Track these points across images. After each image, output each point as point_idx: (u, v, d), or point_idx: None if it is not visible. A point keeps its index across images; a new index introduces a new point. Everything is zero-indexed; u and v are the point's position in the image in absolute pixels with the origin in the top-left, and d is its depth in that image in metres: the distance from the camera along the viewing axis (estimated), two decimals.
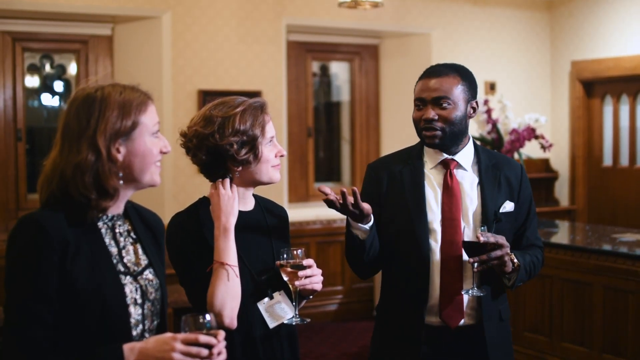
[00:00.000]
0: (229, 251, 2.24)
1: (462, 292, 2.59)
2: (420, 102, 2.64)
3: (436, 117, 2.60)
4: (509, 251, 2.53)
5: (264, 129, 2.36)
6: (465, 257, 2.57)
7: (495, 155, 2.79)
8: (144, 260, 1.95)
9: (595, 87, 7.76)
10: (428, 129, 2.62)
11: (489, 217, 2.63)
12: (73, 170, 1.80)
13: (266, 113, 2.40)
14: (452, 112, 2.61)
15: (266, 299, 2.34)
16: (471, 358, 2.65)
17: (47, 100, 6.50)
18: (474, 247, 2.51)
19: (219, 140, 2.28)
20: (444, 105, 2.61)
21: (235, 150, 2.29)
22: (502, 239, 2.51)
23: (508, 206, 2.69)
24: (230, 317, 2.22)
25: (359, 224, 2.56)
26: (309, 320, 2.38)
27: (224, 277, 2.22)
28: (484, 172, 2.69)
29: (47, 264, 1.74)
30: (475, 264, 2.50)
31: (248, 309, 2.30)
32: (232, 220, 2.27)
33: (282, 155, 2.42)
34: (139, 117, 1.87)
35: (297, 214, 6.79)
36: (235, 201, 2.30)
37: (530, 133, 6.99)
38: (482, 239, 2.47)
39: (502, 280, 2.68)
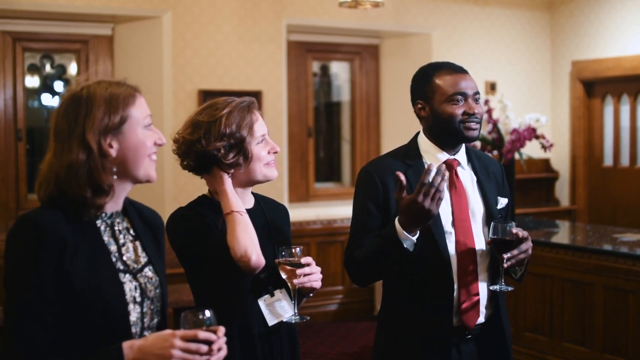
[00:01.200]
0: (230, 202, 2.28)
1: (491, 288, 2.58)
2: (462, 97, 2.59)
3: (478, 112, 2.60)
4: (531, 244, 2.54)
5: (252, 129, 2.33)
6: (477, 255, 2.59)
7: (480, 154, 2.81)
8: (143, 258, 1.94)
9: (596, 87, 7.75)
10: (474, 122, 2.59)
11: (493, 213, 2.64)
12: (66, 170, 1.80)
13: (253, 112, 2.36)
14: (482, 108, 2.65)
15: (266, 296, 2.35)
16: (491, 353, 2.66)
17: (48, 100, 6.50)
18: (504, 244, 2.50)
19: (205, 146, 2.29)
20: (479, 101, 2.63)
21: (223, 154, 2.29)
22: (527, 233, 2.52)
23: (503, 202, 2.72)
24: (257, 254, 2.23)
25: (410, 235, 2.42)
26: (308, 318, 2.38)
27: (236, 221, 2.24)
28: (478, 169, 2.70)
29: (46, 264, 1.73)
30: (505, 260, 2.48)
31: (248, 306, 2.30)
32: (221, 182, 2.31)
33: (275, 152, 2.40)
34: (128, 110, 1.86)
35: (298, 213, 6.79)
36: (220, 179, 2.32)
37: (531, 133, 6.98)
38: (520, 234, 2.47)
39: (509, 274, 2.68)
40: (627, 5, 7.30)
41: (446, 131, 2.62)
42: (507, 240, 2.49)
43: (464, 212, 2.61)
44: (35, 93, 6.42)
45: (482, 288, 2.61)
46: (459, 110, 2.58)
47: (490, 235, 2.53)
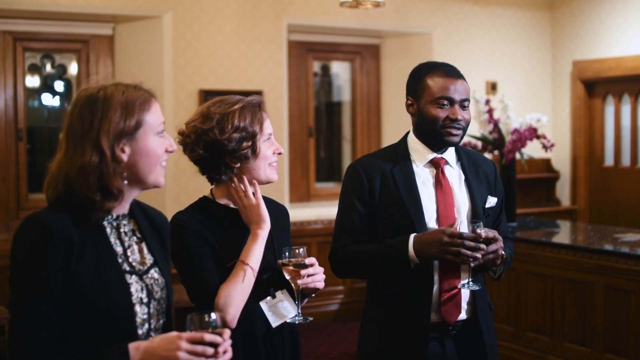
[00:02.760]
0: (252, 253, 2.27)
1: (459, 286, 2.60)
2: (448, 101, 2.62)
3: (462, 118, 2.62)
4: (502, 244, 2.55)
5: (262, 126, 2.35)
6: None
7: (471, 153, 2.83)
8: (149, 260, 1.94)
9: (597, 87, 7.75)
10: (456, 128, 2.61)
11: (478, 212, 2.67)
12: (77, 172, 1.79)
13: (264, 110, 2.39)
14: (470, 115, 2.67)
15: (268, 298, 2.35)
16: (469, 350, 2.68)
17: (48, 100, 6.50)
18: None
19: (218, 135, 2.29)
20: (466, 107, 2.65)
21: (235, 145, 2.29)
22: (496, 233, 2.53)
23: (492, 201, 2.74)
24: (234, 315, 2.22)
25: (417, 257, 2.52)
26: (311, 318, 2.38)
27: (241, 276, 2.24)
28: (467, 168, 2.73)
29: (52, 264, 1.73)
30: (471, 259, 2.49)
31: (250, 308, 2.30)
32: (263, 226, 2.30)
33: (279, 153, 2.41)
34: (143, 116, 1.85)
35: (298, 213, 6.79)
36: (261, 208, 2.32)
37: (532, 133, 6.97)
38: (483, 234, 2.47)
39: (487, 273, 2.71)
40: (628, 5, 7.29)
41: (428, 132, 2.67)
42: (472, 239, 2.49)
43: (449, 209, 2.64)
44: (36, 93, 6.41)
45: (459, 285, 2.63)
46: (442, 114, 2.62)
47: None
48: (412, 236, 2.53)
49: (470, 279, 2.57)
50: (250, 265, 2.25)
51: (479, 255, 2.45)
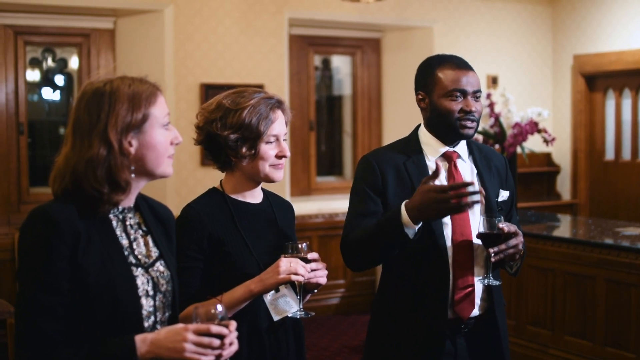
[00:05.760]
0: (233, 302, 2.25)
1: (478, 281, 2.57)
2: (461, 94, 2.59)
3: (475, 110, 2.60)
4: (522, 239, 2.53)
5: (269, 127, 2.33)
6: (474, 248, 2.57)
7: (482, 147, 2.81)
8: (154, 253, 1.95)
9: (598, 81, 7.75)
10: (470, 120, 2.59)
11: (492, 206, 2.64)
12: (85, 165, 1.80)
13: (274, 111, 2.36)
14: (482, 106, 2.66)
15: (272, 292, 2.35)
16: (483, 347, 2.64)
17: (49, 94, 6.50)
18: (490, 238, 2.48)
19: (219, 130, 2.30)
20: (478, 99, 2.63)
21: (231, 144, 2.30)
22: (517, 228, 2.51)
23: (504, 194, 2.71)
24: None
25: (415, 225, 2.41)
26: (313, 313, 2.39)
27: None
28: (479, 162, 2.71)
29: (59, 257, 1.74)
30: (493, 254, 2.46)
31: (255, 301, 2.31)
32: (262, 291, 2.26)
33: (283, 156, 2.38)
34: (149, 109, 1.86)
35: (299, 207, 6.78)
36: (278, 288, 2.31)
37: (533, 127, 6.99)
38: (506, 229, 2.46)
39: (503, 268, 2.68)
40: None
41: (443, 126, 2.63)
42: (494, 235, 2.47)
43: None
44: (37, 87, 6.41)
45: (478, 280, 2.61)
46: (456, 107, 2.58)
47: (478, 229, 2.52)
48: (403, 203, 2.43)
49: (490, 275, 2.55)
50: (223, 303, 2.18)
51: (477, 198, 2.34)
